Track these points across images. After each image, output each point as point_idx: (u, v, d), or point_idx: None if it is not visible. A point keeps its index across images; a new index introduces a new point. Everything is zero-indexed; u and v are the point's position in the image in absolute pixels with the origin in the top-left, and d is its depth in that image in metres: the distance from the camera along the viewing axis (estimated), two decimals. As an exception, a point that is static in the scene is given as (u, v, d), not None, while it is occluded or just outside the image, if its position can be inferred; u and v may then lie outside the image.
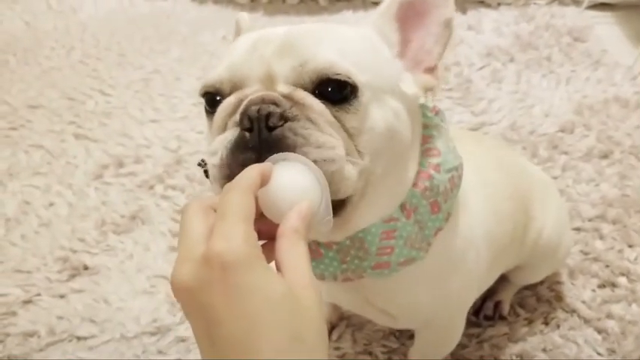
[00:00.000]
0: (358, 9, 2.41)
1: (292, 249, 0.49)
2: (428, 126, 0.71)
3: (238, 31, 0.77)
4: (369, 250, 0.67)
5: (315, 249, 0.68)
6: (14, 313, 1.20)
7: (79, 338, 1.15)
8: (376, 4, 2.43)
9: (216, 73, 0.62)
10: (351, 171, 0.58)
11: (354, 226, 0.66)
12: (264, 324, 0.44)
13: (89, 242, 1.34)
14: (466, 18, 2.23)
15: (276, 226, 0.50)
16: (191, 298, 0.46)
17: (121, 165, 1.57)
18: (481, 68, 1.89)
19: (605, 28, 2.13)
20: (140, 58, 2.09)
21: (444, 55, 0.69)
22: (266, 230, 0.51)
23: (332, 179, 0.55)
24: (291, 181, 0.52)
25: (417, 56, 0.68)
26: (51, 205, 1.47)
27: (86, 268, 1.29)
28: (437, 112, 0.72)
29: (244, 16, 0.77)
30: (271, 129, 0.55)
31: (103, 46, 2.19)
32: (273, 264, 0.50)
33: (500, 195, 0.86)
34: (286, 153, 0.55)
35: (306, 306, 0.46)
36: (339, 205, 0.59)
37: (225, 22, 2.34)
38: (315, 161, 0.54)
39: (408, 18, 0.68)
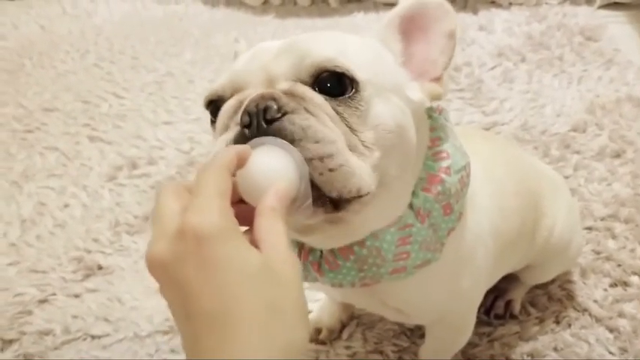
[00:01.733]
0: (369, 11, 2.42)
1: (270, 227, 0.48)
2: (434, 128, 0.71)
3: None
4: (386, 257, 0.67)
5: (333, 260, 0.69)
6: (30, 312, 1.22)
7: (93, 337, 1.16)
8: (387, 5, 2.44)
9: (217, 83, 0.63)
10: (361, 166, 0.57)
11: (361, 229, 0.66)
12: (239, 295, 0.43)
13: (103, 243, 1.36)
14: (477, 18, 2.22)
15: (253, 209, 0.50)
16: (166, 273, 0.45)
17: (134, 166, 1.59)
18: (492, 68, 1.89)
19: (618, 27, 2.12)
20: (153, 61, 2.12)
21: (449, 64, 0.69)
22: (245, 215, 0.50)
23: (337, 176, 0.55)
24: (268, 163, 0.52)
25: (422, 67, 0.68)
26: (66, 206, 1.49)
27: (100, 268, 1.31)
28: (440, 112, 0.72)
29: (242, 47, 0.78)
30: (270, 122, 0.56)
31: (117, 50, 2.22)
32: None
33: (506, 190, 0.87)
34: (265, 137, 0.55)
35: (285, 279, 0.46)
36: (346, 201, 0.58)
37: (237, 24, 2.36)
38: (312, 159, 0.54)
39: (411, 31, 0.68)
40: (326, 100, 0.58)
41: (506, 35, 2.08)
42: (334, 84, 0.59)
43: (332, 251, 0.69)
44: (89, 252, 1.34)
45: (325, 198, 0.57)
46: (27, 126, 1.82)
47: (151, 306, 1.20)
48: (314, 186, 0.55)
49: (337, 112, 0.58)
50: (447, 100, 1.74)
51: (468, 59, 1.94)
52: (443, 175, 0.68)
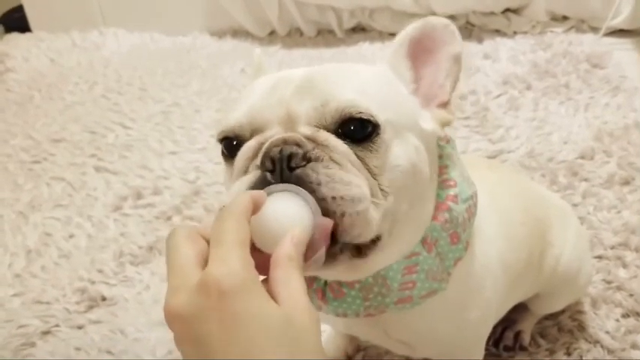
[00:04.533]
0: (375, 40, 2.44)
1: (287, 278, 0.47)
2: (441, 156, 0.71)
3: (258, 68, 0.78)
4: (392, 286, 0.66)
5: (338, 289, 0.68)
6: (33, 344, 1.20)
7: (95, 370, 1.15)
8: (392, 35, 2.46)
9: (234, 118, 0.62)
10: (373, 214, 0.57)
11: (376, 265, 0.65)
12: (261, 351, 0.43)
13: (107, 273, 1.35)
14: (482, 47, 2.23)
15: (268, 257, 0.49)
16: (186, 326, 0.45)
17: (139, 196, 1.59)
18: (498, 96, 1.89)
19: (624, 54, 2.11)
20: (160, 92, 2.13)
21: (456, 89, 0.70)
22: (257, 261, 0.49)
23: (355, 222, 0.55)
24: (282, 210, 0.51)
25: (429, 92, 0.69)
26: (71, 236, 1.49)
27: (104, 299, 1.30)
28: (448, 141, 0.72)
29: (257, 52, 0.78)
30: (293, 169, 0.55)
31: (124, 81, 2.24)
32: None
33: (514, 220, 0.85)
34: (281, 184, 0.54)
35: (304, 331, 0.45)
36: (367, 247, 0.58)
37: (243, 55, 2.38)
38: (342, 198, 0.54)
39: (419, 55, 0.69)
40: (349, 146, 0.58)
41: (512, 63, 2.08)
42: (357, 127, 0.59)
43: (337, 279, 0.68)
44: (93, 283, 1.33)
45: (348, 244, 0.57)
46: (35, 157, 1.84)
47: (154, 338, 1.18)
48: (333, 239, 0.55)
49: (359, 158, 0.58)
50: (453, 129, 1.73)
51: (473, 87, 1.94)
52: (450, 203, 0.68)
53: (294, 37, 2.59)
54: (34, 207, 1.61)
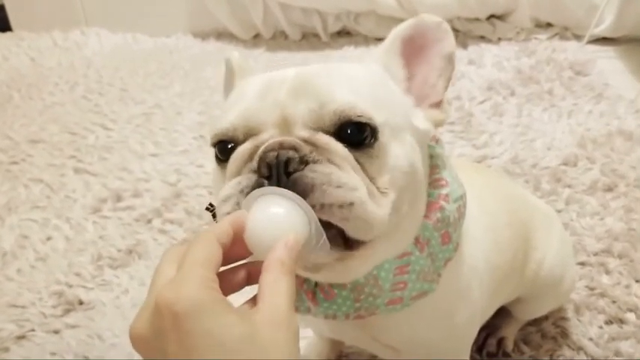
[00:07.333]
0: (360, 45, 2.44)
1: (272, 283, 0.47)
2: (432, 156, 0.70)
3: (230, 71, 0.76)
4: (383, 286, 0.65)
5: (328, 289, 0.66)
6: (7, 349, 1.17)
7: (71, 375, 1.12)
8: (378, 39, 2.46)
9: (228, 121, 0.60)
10: (377, 212, 0.56)
11: (368, 264, 0.64)
12: None
13: (85, 277, 1.32)
14: (467, 53, 2.24)
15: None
16: (147, 346, 0.46)
17: (119, 199, 1.56)
18: (482, 102, 1.89)
19: (607, 62, 2.14)
20: (142, 93, 2.11)
21: (447, 89, 0.69)
22: (257, 272, 0.49)
23: (354, 224, 0.54)
24: (268, 216, 0.50)
25: (422, 91, 0.68)
26: (48, 239, 1.46)
27: (81, 303, 1.26)
28: (437, 141, 0.72)
29: (235, 55, 0.76)
30: (290, 174, 0.54)
31: (106, 82, 2.21)
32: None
33: (500, 222, 0.85)
34: (266, 187, 0.53)
35: (274, 345, 0.45)
36: (358, 243, 0.57)
37: (227, 57, 2.36)
38: (332, 205, 0.53)
39: (411, 53, 0.68)
40: (349, 150, 0.57)
41: (496, 69, 2.09)
42: (354, 131, 0.57)
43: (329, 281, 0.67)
44: (70, 286, 1.30)
45: (340, 239, 0.56)
46: (12, 157, 1.80)
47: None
48: (328, 225, 0.54)
49: (359, 163, 0.57)
50: (437, 133, 1.73)
51: (458, 93, 1.94)
52: (442, 202, 0.67)
53: (278, 40, 2.58)
54: (10, 209, 1.58)
